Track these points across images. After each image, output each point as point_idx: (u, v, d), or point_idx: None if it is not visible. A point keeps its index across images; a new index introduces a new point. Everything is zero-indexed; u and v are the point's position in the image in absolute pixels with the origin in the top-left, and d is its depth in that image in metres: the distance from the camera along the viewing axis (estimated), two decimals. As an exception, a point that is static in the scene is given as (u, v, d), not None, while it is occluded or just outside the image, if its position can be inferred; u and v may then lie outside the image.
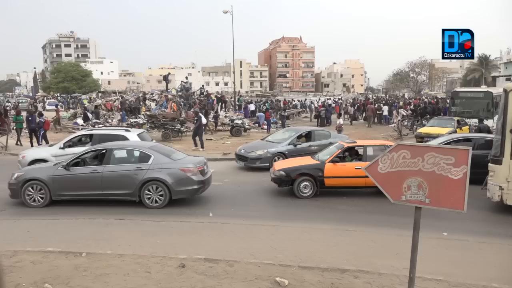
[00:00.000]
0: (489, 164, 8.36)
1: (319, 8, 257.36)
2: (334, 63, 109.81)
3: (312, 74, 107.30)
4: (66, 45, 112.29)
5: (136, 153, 9.35)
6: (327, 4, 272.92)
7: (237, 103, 38.23)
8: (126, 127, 17.89)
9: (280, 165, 10.32)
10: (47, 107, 39.86)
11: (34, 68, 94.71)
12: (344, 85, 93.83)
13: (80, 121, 23.71)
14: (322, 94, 70.99)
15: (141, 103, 31.00)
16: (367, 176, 9.32)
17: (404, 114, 27.52)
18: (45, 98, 53.05)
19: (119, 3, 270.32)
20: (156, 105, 29.44)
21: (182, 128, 21.49)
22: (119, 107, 30.60)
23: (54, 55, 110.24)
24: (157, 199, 8.83)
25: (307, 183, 9.66)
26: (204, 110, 25.31)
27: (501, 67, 54.93)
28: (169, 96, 31.12)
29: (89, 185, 8.97)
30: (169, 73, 42.62)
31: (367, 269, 5.42)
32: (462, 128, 17.57)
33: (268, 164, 12.66)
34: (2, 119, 22.01)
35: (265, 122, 25.04)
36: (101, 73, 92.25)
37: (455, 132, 16.07)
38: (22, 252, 6.02)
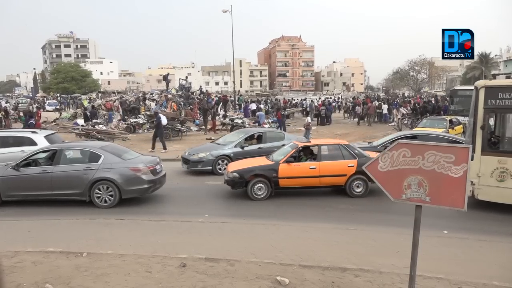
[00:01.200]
0: None
1: (318, 7, 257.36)
2: (334, 62, 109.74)
3: (311, 73, 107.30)
4: (65, 46, 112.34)
5: (86, 153, 9.39)
6: (327, 3, 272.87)
7: (237, 102, 38.23)
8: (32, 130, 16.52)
9: (234, 166, 10.04)
10: (47, 108, 39.84)
11: (34, 68, 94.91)
12: (344, 84, 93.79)
13: (80, 121, 23.69)
14: (322, 93, 70.96)
15: (140, 103, 30.99)
16: (322, 176, 9.37)
17: (404, 112, 27.51)
18: (45, 98, 53.05)
19: (119, 3, 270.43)
20: (156, 105, 29.43)
21: (182, 128, 21.52)
22: (119, 107, 30.62)
23: (54, 56, 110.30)
24: (107, 198, 8.94)
25: (261, 185, 9.43)
26: (203, 109, 25.32)
27: (501, 65, 54.97)
28: (169, 96, 31.12)
29: (39, 185, 9.00)
30: (168, 73, 42.51)
31: (368, 267, 5.42)
32: (455, 128, 17.56)
33: (210, 168, 12.35)
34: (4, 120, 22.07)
35: (265, 122, 24.99)
36: (101, 73, 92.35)
37: (447, 132, 16.04)
38: (23, 252, 6.03)
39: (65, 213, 8.71)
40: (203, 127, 24.02)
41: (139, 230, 7.51)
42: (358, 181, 9.62)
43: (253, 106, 32.66)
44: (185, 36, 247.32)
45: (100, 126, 21.70)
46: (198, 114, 27.18)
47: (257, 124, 26.43)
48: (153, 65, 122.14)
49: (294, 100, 47.00)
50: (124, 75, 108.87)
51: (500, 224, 7.62)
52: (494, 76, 11.27)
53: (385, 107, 30.43)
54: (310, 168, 9.52)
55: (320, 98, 47.01)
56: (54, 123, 26.38)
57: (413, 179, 3.78)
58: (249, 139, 13.60)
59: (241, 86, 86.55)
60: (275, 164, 9.63)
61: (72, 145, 10.14)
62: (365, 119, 28.82)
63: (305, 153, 10.29)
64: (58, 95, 59.92)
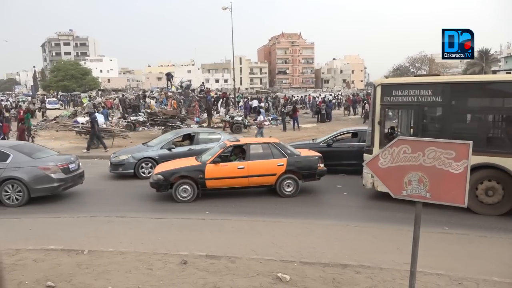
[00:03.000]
0: (364, 154, 8.92)
1: (318, 3, 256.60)
2: (334, 58, 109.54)
3: (312, 70, 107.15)
4: (65, 44, 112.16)
5: None
6: (326, 0, 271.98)
7: (236, 99, 38.16)
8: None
9: (160, 168, 9.73)
10: (48, 106, 39.77)
11: (34, 66, 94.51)
12: (344, 80, 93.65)
13: (80, 119, 23.69)
14: (322, 90, 70.86)
15: (141, 100, 30.96)
16: (251, 176, 9.31)
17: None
18: (45, 96, 53.02)
19: (119, 0, 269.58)
20: (156, 102, 29.41)
21: (182, 126, 21.52)
22: (119, 105, 30.60)
23: (54, 54, 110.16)
24: (15, 197, 9.00)
25: (186, 186, 9.14)
26: (207, 108, 25.32)
27: (501, 61, 54.83)
28: (169, 94, 31.10)
29: None
30: (170, 72, 42.20)
31: (368, 264, 5.43)
32: None
33: (132, 171, 11.76)
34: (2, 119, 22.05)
35: (266, 119, 24.99)
36: (101, 71, 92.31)
37: None
38: (24, 250, 6.04)
39: (66, 210, 8.73)
40: (204, 124, 24.03)
41: (140, 227, 7.52)
42: (288, 181, 9.46)
43: (254, 103, 32.63)
44: (185, 34, 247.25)
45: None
46: (199, 112, 27.17)
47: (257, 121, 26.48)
48: (153, 62, 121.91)
49: (294, 97, 46.96)
50: (124, 73, 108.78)
51: (500, 220, 7.62)
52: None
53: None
54: (238, 168, 9.28)
55: (320, 96, 46.95)
56: (54, 121, 26.42)
57: (414, 175, 3.77)
58: (182, 140, 13.04)
59: (241, 84, 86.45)
60: (202, 164, 9.31)
61: None
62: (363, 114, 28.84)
63: (236, 153, 10.06)
64: (56, 93, 59.86)
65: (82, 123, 21.43)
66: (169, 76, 38.25)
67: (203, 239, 6.73)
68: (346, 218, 7.99)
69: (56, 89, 65.14)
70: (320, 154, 10.01)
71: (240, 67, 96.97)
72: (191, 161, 9.84)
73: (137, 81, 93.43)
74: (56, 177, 9.14)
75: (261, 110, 27.27)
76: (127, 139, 18.96)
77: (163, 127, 21.15)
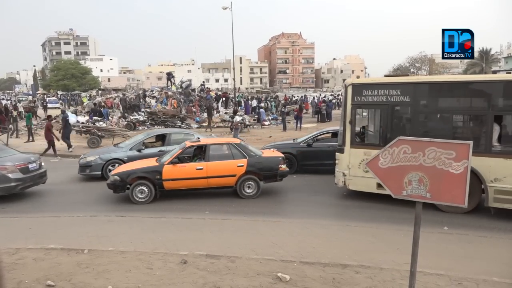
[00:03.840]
0: (336, 153, 9.18)
1: (318, 3, 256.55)
2: (334, 58, 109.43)
3: (312, 70, 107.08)
4: (65, 43, 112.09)
5: None
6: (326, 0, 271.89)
7: (236, 99, 38.15)
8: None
9: (118, 169, 9.64)
10: (48, 105, 39.73)
11: (34, 66, 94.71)
12: (344, 80, 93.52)
13: (81, 118, 23.70)
14: (322, 90, 70.85)
15: (141, 100, 30.96)
16: (210, 177, 9.21)
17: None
18: (45, 96, 52.99)
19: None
20: (156, 102, 29.43)
21: (183, 125, 21.52)
22: (119, 104, 30.60)
23: (54, 53, 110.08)
24: None
25: (143, 188, 9.02)
26: (208, 108, 25.31)
27: (501, 61, 54.80)
28: (169, 93, 31.12)
29: None
30: (170, 72, 42.18)
31: (368, 264, 5.43)
32: None
33: (100, 173, 11.44)
34: (2, 117, 22.08)
35: (266, 119, 25.00)
36: (101, 70, 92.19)
37: None
38: (24, 249, 6.04)
39: (66, 210, 8.73)
40: (204, 124, 24.03)
41: (139, 227, 7.52)
42: (249, 182, 9.35)
43: (254, 103, 32.62)
44: (185, 33, 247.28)
45: (100, 123, 21.72)
46: (199, 111, 27.18)
47: (257, 121, 26.52)
48: (153, 62, 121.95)
49: (295, 97, 46.94)
50: (124, 72, 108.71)
51: (500, 220, 7.62)
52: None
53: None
54: (197, 169, 9.14)
55: (320, 95, 46.94)
56: (54, 120, 26.39)
57: (414, 176, 3.77)
58: (155, 140, 12.82)
59: (241, 83, 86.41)
60: (160, 165, 9.18)
61: None
62: None
63: (197, 154, 9.89)
64: (56, 92, 59.80)
65: (82, 123, 21.46)
66: (169, 76, 38.24)
67: (203, 238, 6.74)
68: (346, 218, 7.98)
69: (56, 88, 65.06)
70: (282, 155, 9.94)
71: (240, 67, 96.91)
72: (150, 162, 9.70)
73: (137, 80, 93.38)
74: (13, 176, 9.12)
75: (261, 110, 27.32)
76: (128, 138, 18.95)
77: (163, 127, 21.15)
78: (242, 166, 9.30)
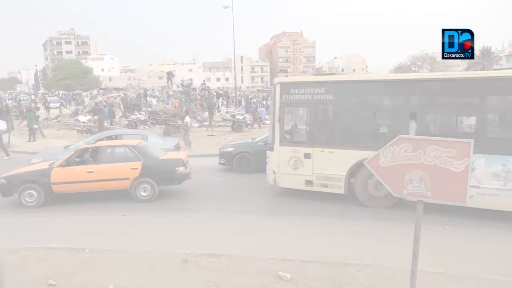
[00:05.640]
0: (266, 152, 9.30)
1: (319, 2, 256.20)
2: (335, 57, 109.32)
3: (313, 69, 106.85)
4: (66, 42, 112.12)
5: None
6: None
7: (237, 98, 38.16)
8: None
9: (9, 172, 9.32)
10: (50, 105, 39.73)
11: (35, 65, 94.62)
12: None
13: (82, 118, 23.72)
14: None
15: (142, 99, 30.98)
16: (101, 180, 8.99)
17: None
18: (46, 95, 53.05)
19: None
20: (157, 101, 29.44)
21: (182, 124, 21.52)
22: (120, 103, 30.62)
23: (55, 53, 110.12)
24: None
25: (31, 191, 8.83)
26: (209, 107, 25.28)
27: (503, 59, 54.70)
28: (170, 93, 31.12)
29: None
30: (170, 72, 42.12)
31: (369, 262, 5.42)
32: None
33: None
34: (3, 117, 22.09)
35: (266, 118, 24.97)
36: (102, 70, 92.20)
37: None
38: (26, 248, 6.06)
39: (67, 209, 8.75)
40: (205, 123, 24.02)
41: (141, 226, 7.53)
42: (144, 185, 9.13)
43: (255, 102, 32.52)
44: (186, 32, 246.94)
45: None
46: (200, 110, 27.16)
47: (258, 120, 26.46)
48: (154, 61, 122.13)
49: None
50: (125, 72, 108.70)
51: (501, 219, 7.61)
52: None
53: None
54: (88, 172, 8.93)
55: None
56: (56, 120, 26.45)
57: (415, 174, 3.77)
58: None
59: (242, 82, 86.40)
60: (48, 169, 9.00)
61: None
62: None
63: (92, 156, 9.53)
64: (55, 91, 59.85)
65: (84, 122, 21.49)
66: (170, 76, 38.26)
67: (204, 237, 6.74)
68: (347, 217, 7.97)
69: (57, 87, 65.17)
70: (181, 157, 9.65)
71: (241, 66, 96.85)
72: (41, 166, 9.55)
73: (138, 79, 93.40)
74: None
75: (262, 109, 27.28)
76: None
77: (164, 126, 21.16)
78: (136, 169, 9.06)
